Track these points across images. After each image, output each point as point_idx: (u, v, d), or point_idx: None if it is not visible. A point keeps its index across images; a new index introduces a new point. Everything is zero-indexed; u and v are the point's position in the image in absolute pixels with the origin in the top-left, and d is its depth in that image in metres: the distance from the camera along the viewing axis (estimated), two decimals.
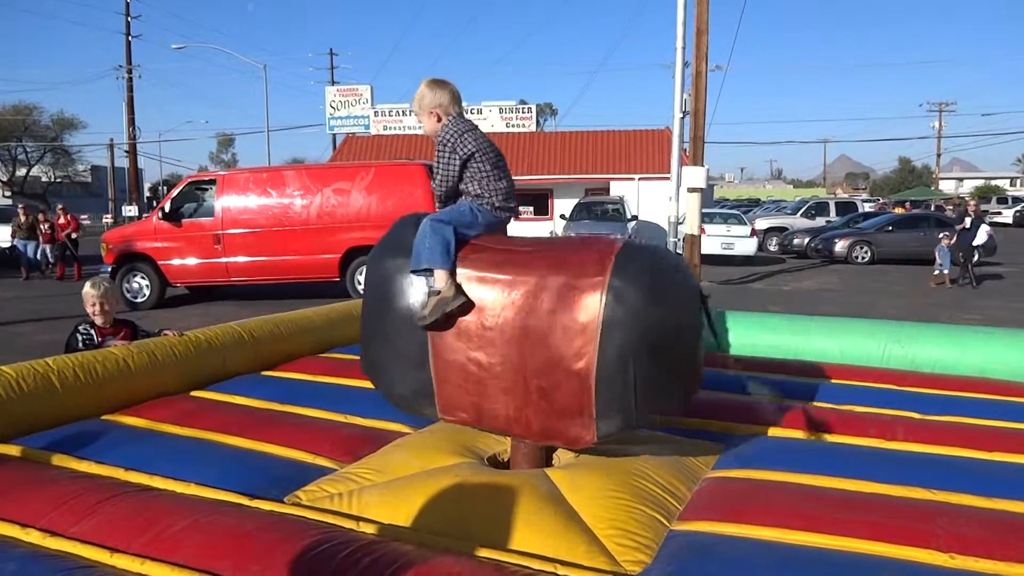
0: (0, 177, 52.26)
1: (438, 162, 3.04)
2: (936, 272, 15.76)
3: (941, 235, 17.04)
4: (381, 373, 3.03)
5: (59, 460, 3.10)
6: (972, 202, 16.19)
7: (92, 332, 4.16)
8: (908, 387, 4.28)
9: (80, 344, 4.10)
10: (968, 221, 16.36)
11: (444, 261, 2.81)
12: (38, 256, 17.31)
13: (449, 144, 3.00)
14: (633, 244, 2.80)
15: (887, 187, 71.39)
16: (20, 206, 19.52)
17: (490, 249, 2.89)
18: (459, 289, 2.79)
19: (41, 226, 17.21)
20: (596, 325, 2.59)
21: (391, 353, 2.96)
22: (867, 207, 31.34)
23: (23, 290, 15.08)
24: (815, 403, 3.98)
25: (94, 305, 4.13)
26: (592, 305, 2.59)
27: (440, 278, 2.80)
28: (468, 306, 2.79)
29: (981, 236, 16.82)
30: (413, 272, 2.87)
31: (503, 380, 2.76)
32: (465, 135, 3.00)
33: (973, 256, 16.10)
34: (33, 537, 2.39)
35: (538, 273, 2.72)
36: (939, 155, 60.28)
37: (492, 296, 2.77)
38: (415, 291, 2.87)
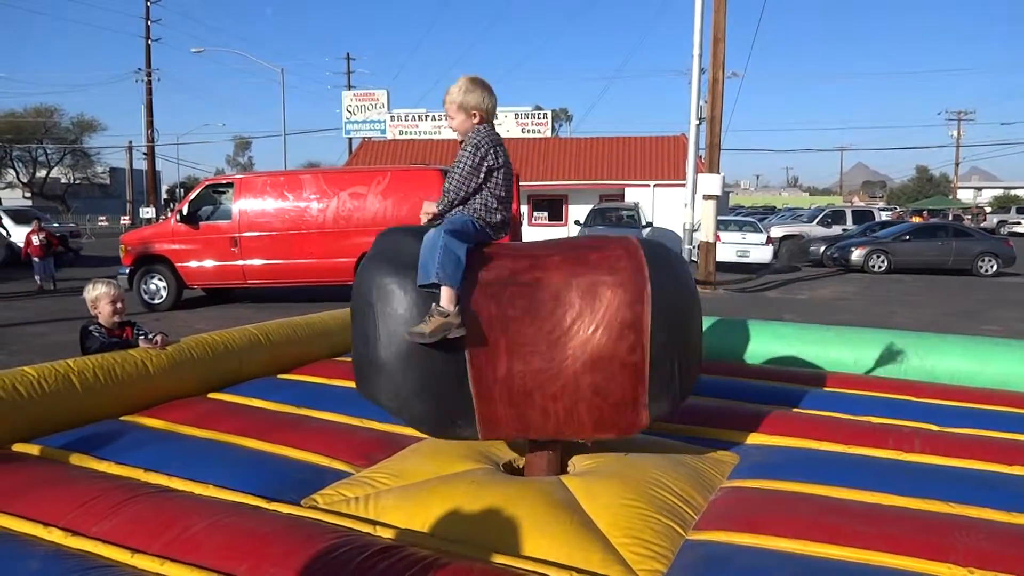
0: (20, 179, 52.89)
1: (462, 165, 2.87)
2: None
3: None
4: (408, 400, 2.78)
5: (79, 460, 3.14)
6: None
7: (104, 331, 4.18)
8: (926, 399, 4.25)
9: (97, 345, 4.11)
10: None
11: (455, 279, 2.67)
12: None
13: (482, 150, 2.86)
14: (646, 240, 2.99)
15: (904, 196, 70.83)
16: None
17: (511, 255, 2.86)
18: (460, 316, 2.66)
19: (34, 236, 15.09)
20: (647, 318, 2.74)
21: (417, 377, 2.74)
22: (884, 216, 31.12)
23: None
24: (832, 414, 3.96)
25: (113, 303, 4.14)
26: (640, 300, 2.74)
27: (447, 297, 2.66)
28: (464, 340, 2.68)
29: None
30: (421, 287, 2.71)
31: (553, 385, 2.74)
32: (499, 147, 2.92)
33: None
34: (55, 536, 2.42)
35: (572, 274, 2.77)
36: (957, 164, 59.79)
37: (530, 303, 2.74)
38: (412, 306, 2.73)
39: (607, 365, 2.73)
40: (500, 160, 2.92)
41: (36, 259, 14.99)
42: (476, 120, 2.94)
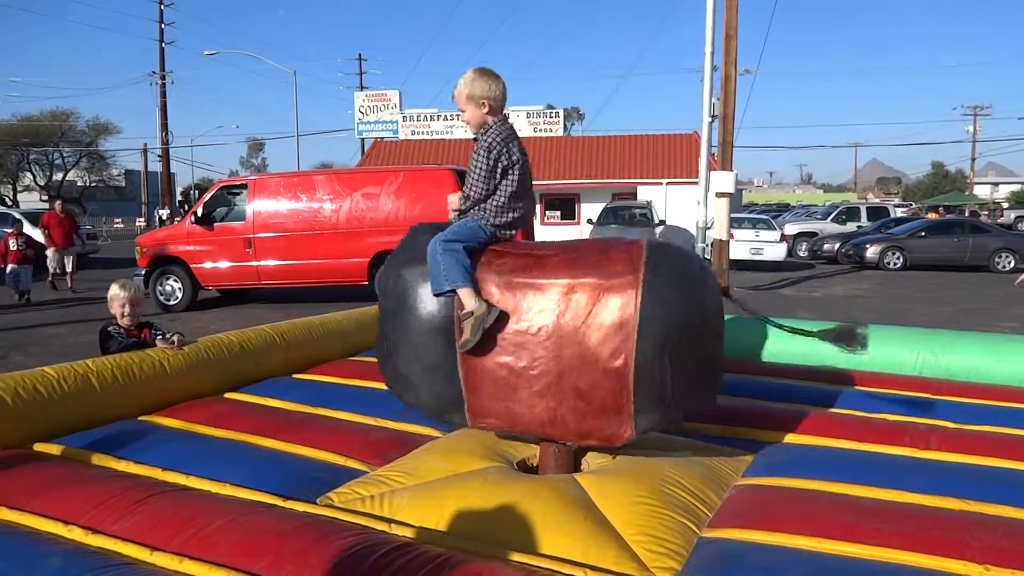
0: (37, 182, 53.46)
1: (478, 169, 2.87)
2: None
3: None
4: (408, 386, 3.01)
5: (99, 459, 3.18)
6: None
7: (123, 332, 4.24)
8: (942, 396, 4.22)
9: (117, 345, 4.17)
10: None
11: (465, 279, 2.75)
12: None
13: (495, 151, 2.86)
14: (658, 243, 2.90)
15: (920, 192, 70.28)
16: None
17: (513, 254, 2.90)
18: (488, 302, 2.75)
19: (12, 241, 13.13)
20: (633, 323, 2.65)
21: (417, 365, 2.94)
22: (899, 212, 30.87)
23: None
24: (846, 411, 3.94)
25: (123, 306, 4.20)
26: (628, 303, 2.66)
27: (467, 297, 2.74)
28: (504, 317, 2.75)
29: None
30: (437, 295, 2.81)
31: (537, 383, 2.79)
32: (512, 143, 2.90)
33: None
34: (75, 534, 2.45)
35: (567, 275, 2.76)
36: (974, 159, 59.16)
37: (521, 300, 2.79)
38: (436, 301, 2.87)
39: (590, 368, 2.70)
40: (514, 157, 2.90)
41: (11, 266, 12.98)
42: (486, 110, 2.91)
